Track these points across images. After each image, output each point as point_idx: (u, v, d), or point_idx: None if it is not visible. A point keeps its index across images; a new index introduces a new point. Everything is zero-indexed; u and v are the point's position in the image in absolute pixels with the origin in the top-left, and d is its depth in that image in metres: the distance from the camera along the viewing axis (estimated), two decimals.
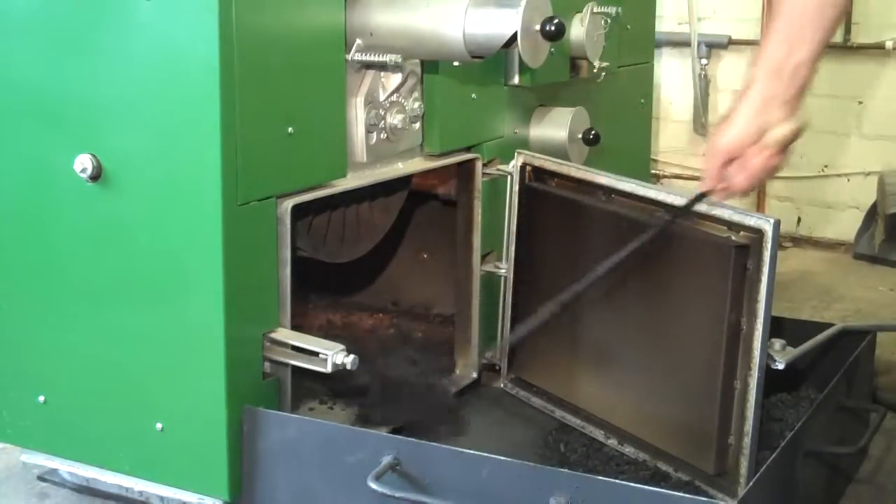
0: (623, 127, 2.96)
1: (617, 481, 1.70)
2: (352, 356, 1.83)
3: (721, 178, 1.75)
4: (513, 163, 2.31)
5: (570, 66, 2.64)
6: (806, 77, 1.68)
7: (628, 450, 2.07)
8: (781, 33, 1.68)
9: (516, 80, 2.43)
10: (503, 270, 2.35)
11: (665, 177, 4.49)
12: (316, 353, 1.84)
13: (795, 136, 1.70)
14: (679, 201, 1.94)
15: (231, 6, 1.68)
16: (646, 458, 2.03)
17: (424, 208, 2.58)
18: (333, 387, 2.20)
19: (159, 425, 1.85)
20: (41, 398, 1.98)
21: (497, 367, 2.40)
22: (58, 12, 1.82)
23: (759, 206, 4.26)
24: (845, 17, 1.73)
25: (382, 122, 2.07)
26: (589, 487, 1.63)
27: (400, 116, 2.10)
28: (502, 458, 1.81)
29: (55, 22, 1.83)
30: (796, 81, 1.67)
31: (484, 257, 2.36)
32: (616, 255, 1.91)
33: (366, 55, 1.96)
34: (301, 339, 1.87)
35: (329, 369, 1.82)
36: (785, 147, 1.70)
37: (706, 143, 1.75)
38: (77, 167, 1.81)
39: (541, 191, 2.26)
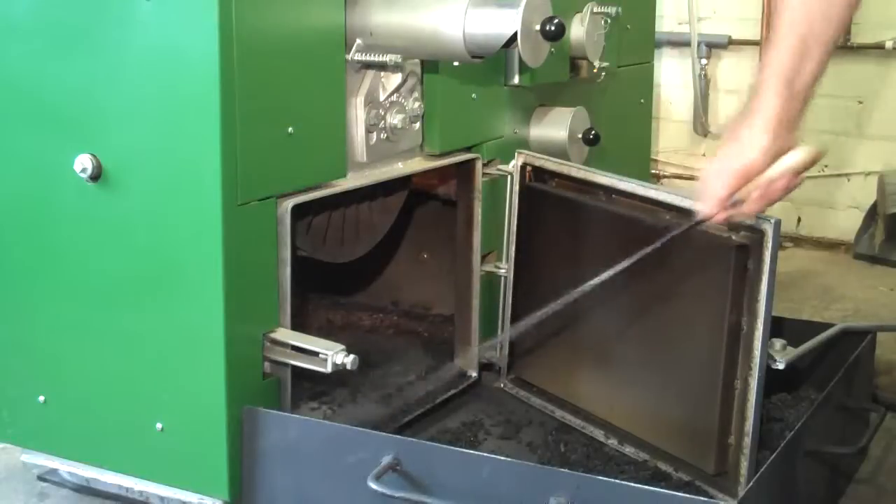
0: (623, 127, 2.96)
1: (617, 481, 1.70)
2: (352, 356, 1.83)
3: (729, 202, 1.62)
4: (513, 163, 2.31)
5: (570, 66, 2.64)
6: (812, 92, 1.58)
7: (628, 450, 2.07)
8: (791, 40, 1.56)
9: (516, 80, 2.43)
10: (503, 270, 2.35)
11: (665, 177, 4.49)
12: (316, 353, 1.84)
13: (815, 161, 1.61)
14: (681, 202, 1.94)
15: (231, 6, 1.68)
16: (646, 458, 2.03)
17: (424, 208, 2.58)
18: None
19: (159, 425, 1.85)
20: (41, 398, 1.98)
21: (497, 368, 2.40)
22: (58, 12, 1.82)
23: None
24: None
25: (382, 122, 2.07)
26: (589, 487, 1.63)
27: (400, 116, 2.10)
28: (502, 458, 1.81)
29: (55, 22, 1.83)
30: (806, 95, 1.58)
31: (484, 257, 2.36)
32: (607, 270, 1.82)
33: (366, 55, 1.96)
34: (301, 339, 1.87)
35: (329, 369, 1.82)
36: (803, 171, 1.60)
37: (709, 163, 1.65)
38: (77, 167, 1.81)
39: (541, 191, 2.26)
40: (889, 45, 3.95)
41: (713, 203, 1.62)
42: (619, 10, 2.70)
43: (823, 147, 1.63)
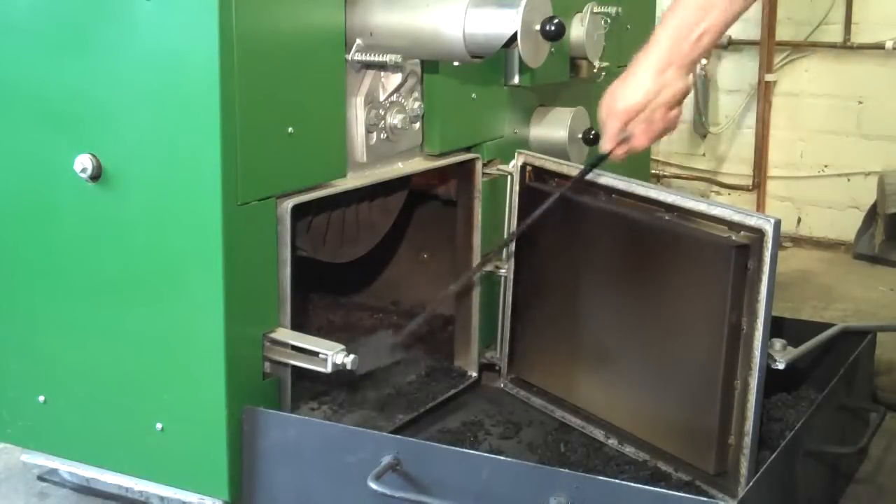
0: None
1: (617, 481, 1.70)
2: (352, 356, 1.83)
3: (620, 137, 1.79)
4: (513, 163, 2.31)
5: (570, 66, 2.64)
6: (710, 44, 1.74)
7: (628, 450, 2.07)
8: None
9: (516, 80, 2.43)
10: (503, 270, 2.35)
11: (665, 177, 4.49)
12: (316, 353, 1.84)
13: (687, 93, 1.78)
14: (681, 202, 1.94)
15: (231, 6, 1.68)
16: (646, 458, 2.03)
17: (424, 208, 2.58)
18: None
19: (159, 425, 1.85)
20: (41, 398, 1.98)
21: (497, 367, 2.40)
22: (58, 12, 1.82)
23: (759, 206, 4.26)
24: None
25: (382, 122, 2.07)
26: (589, 487, 1.63)
27: (400, 116, 2.10)
28: (502, 458, 1.81)
29: (55, 22, 1.83)
30: (699, 47, 1.73)
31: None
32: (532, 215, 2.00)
33: (366, 55, 1.96)
34: (301, 339, 1.87)
35: (329, 369, 1.82)
36: (679, 103, 1.77)
37: (601, 101, 1.83)
38: (77, 167, 1.81)
39: (541, 191, 2.26)
40: (889, 45, 3.95)
41: (607, 140, 1.81)
42: (619, 10, 2.70)
43: (691, 81, 1.79)
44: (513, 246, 2.31)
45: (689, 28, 1.71)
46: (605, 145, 1.82)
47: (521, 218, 2.28)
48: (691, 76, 1.79)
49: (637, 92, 1.75)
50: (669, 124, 1.79)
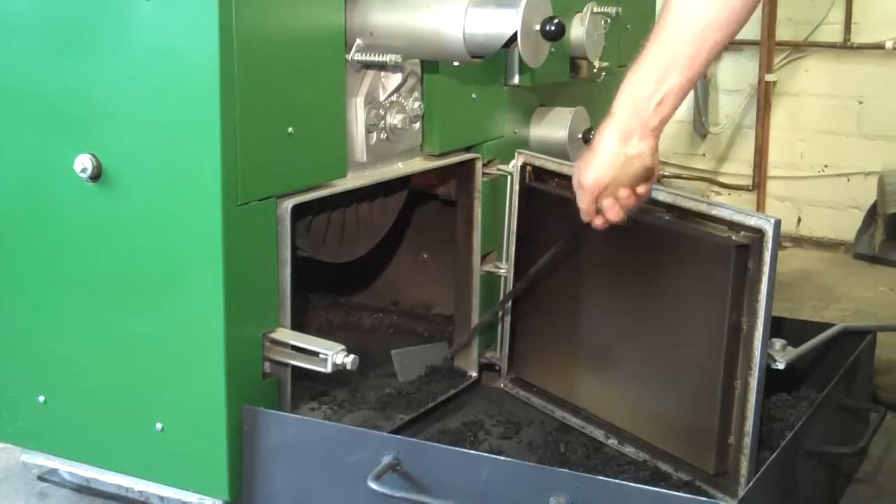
0: None
1: (617, 481, 1.70)
2: (352, 356, 1.83)
3: (596, 211, 1.72)
4: (513, 163, 2.31)
5: (570, 66, 2.64)
6: (672, 107, 1.62)
7: (628, 450, 2.07)
8: (653, 61, 1.60)
9: (516, 80, 2.43)
10: (503, 270, 2.35)
11: (665, 177, 4.49)
12: (316, 353, 1.84)
13: (653, 168, 1.67)
14: (681, 202, 1.94)
15: (231, 6, 1.68)
16: (646, 458, 2.03)
17: (424, 208, 2.58)
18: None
19: (159, 425, 1.85)
20: (41, 398, 1.98)
21: (497, 367, 2.40)
22: (58, 12, 1.82)
23: (759, 206, 4.26)
24: (733, 39, 1.67)
25: (382, 122, 2.07)
26: (589, 487, 1.63)
27: (400, 116, 2.10)
28: (502, 458, 1.81)
29: (55, 22, 1.83)
30: (660, 114, 1.62)
31: (484, 257, 2.36)
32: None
33: (366, 55, 1.96)
34: (301, 339, 1.87)
35: (329, 369, 1.82)
36: (647, 178, 1.67)
37: (573, 176, 1.75)
38: (77, 167, 1.81)
39: (541, 191, 2.26)
40: (889, 45, 3.95)
41: (584, 213, 1.74)
42: (619, 10, 2.70)
43: (656, 160, 1.67)
44: (512, 246, 2.31)
45: (647, 96, 1.60)
46: (584, 217, 1.75)
47: (521, 218, 2.29)
48: (657, 145, 1.66)
49: (600, 167, 1.66)
50: (641, 198, 1.71)
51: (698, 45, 1.59)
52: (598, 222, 1.75)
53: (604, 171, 1.66)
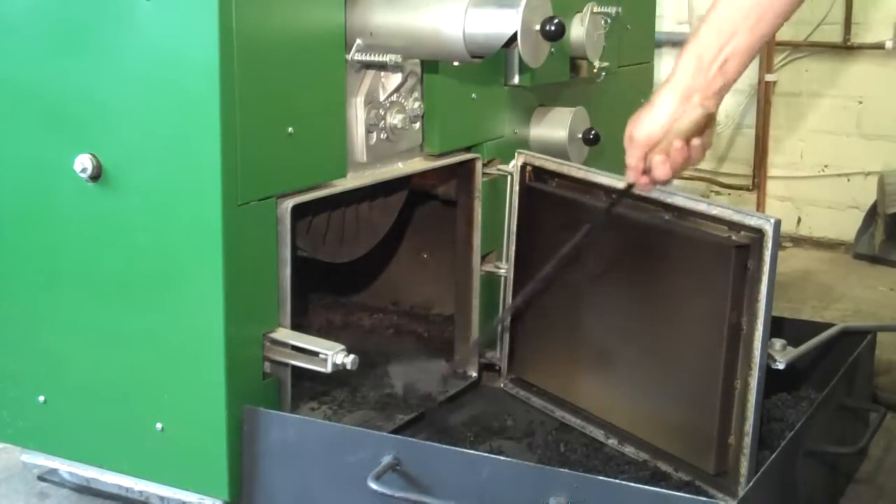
0: (623, 127, 2.95)
1: (617, 481, 1.70)
2: (352, 356, 1.83)
3: (643, 169, 1.69)
4: (513, 163, 2.31)
5: (570, 66, 2.64)
6: (736, 71, 1.59)
7: (628, 450, 2.07)
8: (717, 21, 1.58)
9: (516, 80, 2.43)
10: (503, 270, 2.35)
11: None
12: (316, 353, 1.84)
13: (705, 123, 1.63)
14: (681, 202, 1.94)
15: (231, 6, 1.68)
16: (646, 458, 2.03)
17: (424, 208, 2.58)
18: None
19: (159, 425, 1.85)
20: (41, 398, 1.98)
21: (497, 367, 2.40)
22: (57, 12, 1.82)
23: (760, 206, 4.26)
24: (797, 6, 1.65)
25: (382, 122, 2.07)
26: (589, 487, 1.63)
27: (400, 116, 2.10)
28: (502, 458, 1.81)
29: (55, 22, 1.83)
30: (724, 75, 1.59)
31: (484, 257, 2.36)
32: (570, 241, 1.92)
33: (366, 55, 1.96)
34: (301, 339, 1.87)
35: (329, 369, 1.82)
36: (696, 134, 1.63)
37: (626, 130, 1.71)
38: (77, 167, 1.81)
39: (541, 191, 2.26)
40: (889, 45, 3.95)
41: (631, 172, 1.70)
42: (619, 10, 2.70)
43: (714, 111, 1.63)
44: (512, 246, 2.31)
45: (711, 54, 1.58)
46: (629, 176, 1.72)
47: (521, 218, 2.29)
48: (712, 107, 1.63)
49: (655, 120, 1.63)
50: (693, 155, 1.65)
51: (763, 8, 1.57)
52: (643, 180, 1.70)
53: (659, 125, 1.63)
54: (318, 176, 1.93)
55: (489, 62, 2.06)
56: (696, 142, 1.64)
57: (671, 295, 1.97)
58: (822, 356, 2.24)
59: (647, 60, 3.15)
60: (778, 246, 1.78)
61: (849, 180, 4.16)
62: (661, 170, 1.66)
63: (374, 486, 1.68)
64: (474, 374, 2.37)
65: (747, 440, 1.83)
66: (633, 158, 1.69)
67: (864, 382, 2.32)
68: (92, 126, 1.82)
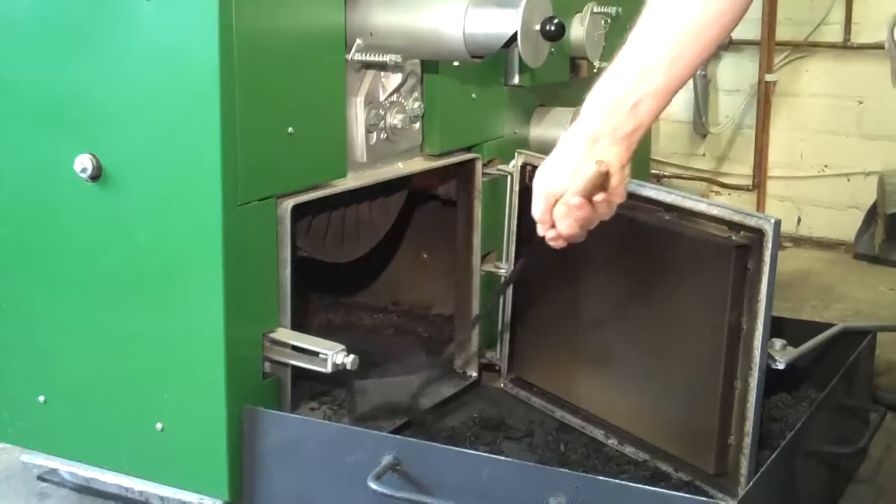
0: None
1: (617, 481, 1.70)
2: (352, 356, 1.83)
3: (552, 222, 1.51)
4: (513, 163, 2.30)
5: (570, 66, 2.64)
6: (650, 112, 1.42)
7: (628, 450, 2.07)
8: (631, 60, 1.42)
9: (516, 80, 2.43)
10: (503, 270, 2.35)
11: (665, 177, 4.49)
12: (316, 353, 1.84)
13: (601, 182, 1.44)
14: (681, 202, 1.94)
15: (231, 6, 1.68)
16: (646, 458, 2.03)
17: (424, 208, 2.58)
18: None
19: (159, 425, 1.85)
20: (41, 398, 1.98)
21: (497, 367, 2.39)
22: (58, 12, 1.82)
23: (760, 206, 4.26)
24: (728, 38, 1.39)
25: (382, 122, 2.07)
26: (589, 487, 1.63)
27: (400, 116, 2.10)
28: (502, 458, 1.81)
29: (55, 22, 1.83)
30: (636, 117, 1.41)
31: (484, 257, 2.36)
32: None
33: (366, 55, 1.96)
34: (301, 339, 1.87)
35: (329, 369, 1.82)
36: (599, 191, 1.45)
37: (534, 179, 1.52)
38: (77, 167, 1.81)
39: None
40: (887, 45, 3.94)
41: (539, 226, 1.53)
42: (619, 10, 2.70)
43: (609, 163, 1.44)
44: (512, 246, 2.31)
45: (622, 97, 1.41)
46: (538, 229, 1.53)
47: (521, 218, 2.28)
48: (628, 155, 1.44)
49: (558, 171, 1.45)
50: (600, 211, 1.47)
51: (682, 46, 1.41)
52: (550, 235, 1.52)
53: (560, 176, 1.45)
54: (318, 176, 1.93)
55: (489, 62, 2.06)
56: (598, 198, 1.46)
57: (671, 295, 1.97)
58: (822, 356, 2.24)
59: None
60: (778, 246, 1.78)
61: (849, 180, 4.16)
62: (563, 224, 1.49)
63: (373, 486, 1.68)
64: (474, 374, 2.37)
65: (747, 440, 1.83)
66: (537, 211, 1.51)
67: (864, 382, 2.32)
68: (92, 126, 1.82)
